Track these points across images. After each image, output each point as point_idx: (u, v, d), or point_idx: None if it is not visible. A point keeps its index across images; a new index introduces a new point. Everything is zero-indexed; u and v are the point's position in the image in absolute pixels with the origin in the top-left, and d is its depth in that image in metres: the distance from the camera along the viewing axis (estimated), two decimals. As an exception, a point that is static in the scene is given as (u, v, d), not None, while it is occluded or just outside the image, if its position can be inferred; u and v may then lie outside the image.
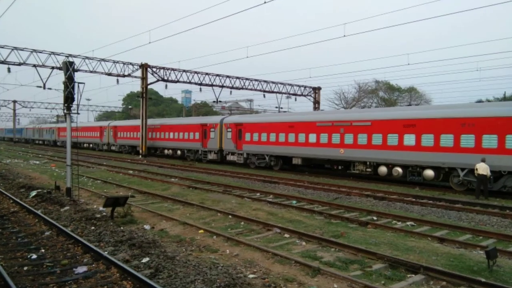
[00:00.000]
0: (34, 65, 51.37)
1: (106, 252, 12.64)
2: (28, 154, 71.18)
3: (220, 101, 70.51)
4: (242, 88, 68.18)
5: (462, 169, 29.00)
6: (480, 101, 33.36)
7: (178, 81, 62.18)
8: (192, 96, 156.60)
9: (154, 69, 60.68)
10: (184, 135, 58.41)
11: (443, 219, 20.17)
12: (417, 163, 31.47)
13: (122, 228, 16.42)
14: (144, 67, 60.06)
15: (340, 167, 39.53)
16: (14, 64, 50.56)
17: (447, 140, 29.59)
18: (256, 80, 69.39)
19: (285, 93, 75.06)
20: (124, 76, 58.92)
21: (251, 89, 69.61)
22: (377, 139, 33.71)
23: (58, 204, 21.28)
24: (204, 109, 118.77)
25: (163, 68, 61.27)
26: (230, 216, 19.65)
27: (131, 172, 40.53)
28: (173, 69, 61.80)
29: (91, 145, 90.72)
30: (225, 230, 16.87)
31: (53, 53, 52.08)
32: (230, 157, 49.82)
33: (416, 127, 31.28)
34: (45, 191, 25.08)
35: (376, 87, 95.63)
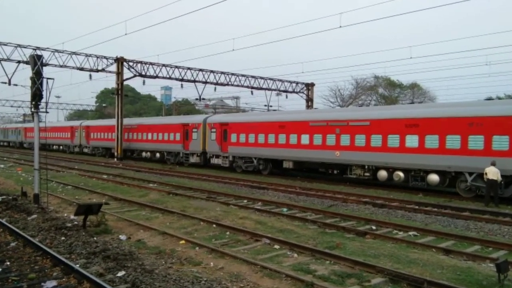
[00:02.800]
0: (-2, 59, 51.16)
1: (77, 265, 12.56)
2: (-9, 157, 70.78)
3: (203, 99, 70.59)
4: (227, 84, 68.21)
5: (470, 174, 29.02)
6: (489, 99, 33.61)
7: (157, 77, 62.09)
8: (172, 93, 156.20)
9: (131, 63, 60.61)
10: (163, 136, 58.28)
11: (449, 229, 20.24)
12: (420, 167, 31.53)
13: (95, 238, 16.34)
14: (120, 61, 59.97)
15: (335, 171, 39.58)
16: (-25, 57, 50.35)
17: (453, 141, 29.66)
18: (243, 75, 69.42)
19: (275, 90, 75.08)
20: (97, 71, 58.78)
21: (237, 86, 69.69)
22: (376, 140, 33.76)
23: (25, 212, 21.15)
24: (185, 107, 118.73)
25: (141, 62, 61.17)
26: (214, 225, 19.61)
27: (105, 176, 40.39)
28: (151, 63, 61.71)
29: (61, 147, 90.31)
30: (209, 241, 16.84)
31: (19, 45, 51.82)
32: (215, 160, 49.78)
33: (419, 127, 31.34)
34: (11, 197, 24.95)
35: (375, 83, 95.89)
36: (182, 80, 63.96)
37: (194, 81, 64.76)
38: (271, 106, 77.33)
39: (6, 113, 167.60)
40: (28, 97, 25.46)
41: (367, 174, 35.26)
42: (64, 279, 11.87)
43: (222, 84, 67.46)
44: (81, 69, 57.58)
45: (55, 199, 26.33)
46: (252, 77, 70.40)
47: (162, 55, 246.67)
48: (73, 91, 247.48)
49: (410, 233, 19.12)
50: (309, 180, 39.53)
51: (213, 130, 49.49)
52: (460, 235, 18.41)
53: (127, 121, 67.04)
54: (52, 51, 54.69)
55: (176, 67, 63.24)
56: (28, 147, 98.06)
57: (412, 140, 31.66)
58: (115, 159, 62.17)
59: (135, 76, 61.19)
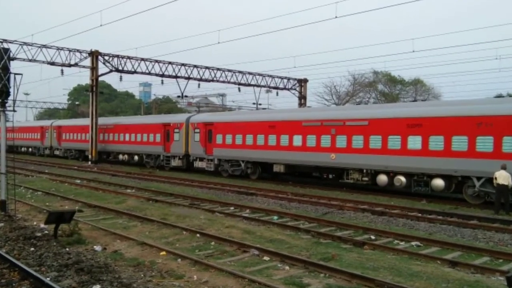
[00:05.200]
0: (-40, 52, 50.85)
1: (48, 278, 12.51)
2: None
3: (186, 96, 70.44)
4: (212, 80, 68.22)
5: (478, 178, 29.03)
6: (499, 96, 33.56)
7: (135, 72, 62.10)
8: (152, 90, 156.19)
9: (106, 58, 60.46)
10: (142, 137, 58.17)
11: (455, 239, 20.30)
12: (423, 171, 31.58)
13: (67, 249, 16.29)
14: (94, 55, 59.81)
15: (331, 176, 39.57)
16: None
17: (460, 143, 29.68)
18: (229, 70, 69.50)
19: (264, 87, 75.21)
20: (70, 65, 58.59)
21: (223, 82, 69.71)
22: (375, 141, 33.79)
23: (-11, 221, 21.08)
24: (166, 105, 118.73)
25: (117, 56, 61.09)
26: (198, 235, 19.58)
27: (78, 181, 40.33)
28: (129, 58, 61.65)
29: (30, 149, 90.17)
30: (192, 252, 16.82)
31: (-17, 37, 51.66)
32: (198, 164, 49.74)
33: (423, 127, 31.38)
34: (-27, 205, 24.83)
35: (375, 79, 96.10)
36: (162, 75, 63.91)
37: (176, 76, 64.70)
38: (260, 104, 77.34)
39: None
40: (-7, 94, 25.31)
41: (365, 178, 35.26)
42: (33, 294, 11.83)
43: (206, 80, 67.45)
44: (52, 63, 57.41)
45: (23, 206, 26.25)
46: (240, 72, 70.47)
47: (140, 48, 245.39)
48: (44, 87, 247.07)
49: (413, 243, 19.14)
50: (302, 185, 39.58)
51: (197, 130, 49.42)
52: (468, 246, 18.44)
53: (102, 120, 66.85)
54: (20, 44, 54.49)
55: (156, 61, 63.20)
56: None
57: (414, 142, 31.70)
58: (89, 162, 61.98)
59: (111, 71, 61.08)
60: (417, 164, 31.56)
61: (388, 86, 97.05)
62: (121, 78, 63.77)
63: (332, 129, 36.50)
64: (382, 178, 33.72)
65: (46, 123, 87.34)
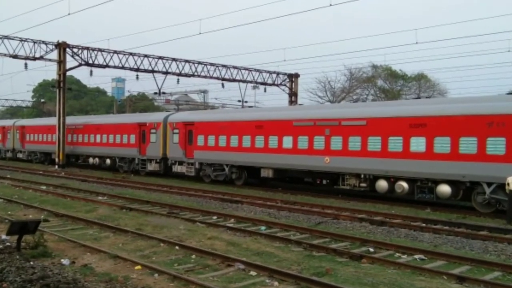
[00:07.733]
0: None
1: (9, 297, 12.45)
2: None
3: (163, 93, 70.65)
4: (193, 75, 68.30)
5: (489, 184, 28.88)
6: (513, 93, 33.50)
7: (107, 66, 62.09)
8: (126, 86, 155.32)
9: (75, 50, 60.39)
10: (115, 139, 58.06)
11: (463, 251, 20.31)
12: (428, 176, 31.54)
13: (32, 263, 16.18)
14: (62, 47, 59.69)
15: (324, 181, 39.55)
16: None
17: (468, 145, 29.61)
18: (212, 64, 69.61)
19: (251, 82, 75.29)
20: (34, 59, 58.52)
21: (205, 77, 69.84)
22: (374, 143, 33.77)
23: None
24: (142, 103, 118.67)
25: (87, 48, 61.06)
26: (177, 247, 19.54)
27: (44, 187, 40.23)
28: (100, 50, 61.61)
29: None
30: (171, 266, 16.77)
31: None
32: (177, 168, 49.70)
33: (427, 127, 31.36)
34: None
35: (374, 74, 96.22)
36: (137, 70, 63.96)
37: (152, 71, 64.70)
38: (246, 101, 77.42)
39: None
40: None
41: (363, 184, 35.22)
42: (-8, 314, 11.75)
43: (186, 75, 67.56)
44: (15, 56, 57.34)
45: (-19, 216, 26.15)
46: (223, 66, 70.55)
47: (113, 39, 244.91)
48: (5, 83, 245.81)
49: (416, 256, 19.14)
50: (293, 192, 39.57)
51: (176, 131, 49.34)
52: (477, 259, 18.40)
53: (70, 120, 66.79)
54: (-22, 35, 54.39)
55: (131, 54, 63.25)
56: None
57: (418, 144, 31.67)
58: (56, 166, 61.88)
59: (80, 65, 61.02)
60: (421, 169, 31.51)
61: (389, 82, 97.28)
62: (91, 73, 63.99)
63: (326, 129, 36.45)
64: (382, 184, 33.68)
65: (8, 122, 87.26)
